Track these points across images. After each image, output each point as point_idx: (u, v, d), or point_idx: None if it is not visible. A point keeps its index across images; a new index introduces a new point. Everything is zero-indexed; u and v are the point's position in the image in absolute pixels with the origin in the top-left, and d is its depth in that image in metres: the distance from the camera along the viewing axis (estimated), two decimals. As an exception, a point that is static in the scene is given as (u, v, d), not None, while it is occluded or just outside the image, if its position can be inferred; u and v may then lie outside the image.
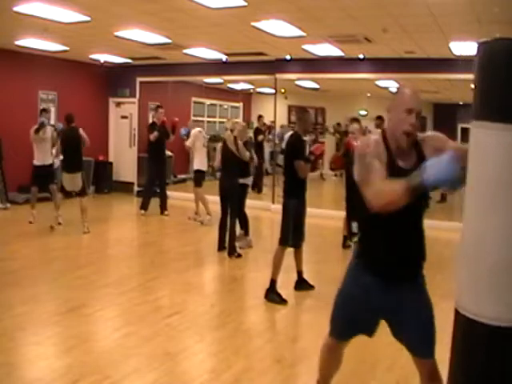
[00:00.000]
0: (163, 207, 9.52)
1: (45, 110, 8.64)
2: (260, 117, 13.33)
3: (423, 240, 2.46)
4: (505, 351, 2.16)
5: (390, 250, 2.39)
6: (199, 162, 9.00)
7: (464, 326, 2.27)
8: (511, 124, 2.10)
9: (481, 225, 2.16)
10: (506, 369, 2.17)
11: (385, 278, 2.39)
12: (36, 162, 8.25)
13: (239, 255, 6.80)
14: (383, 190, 2.19)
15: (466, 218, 2.26)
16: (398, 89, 2.47)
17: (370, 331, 2.57)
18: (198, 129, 9.35)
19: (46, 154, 8.21)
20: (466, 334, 2.28)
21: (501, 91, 2.15)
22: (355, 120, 6.98)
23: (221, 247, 6.95)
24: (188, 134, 9.20)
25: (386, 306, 2.44)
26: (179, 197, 11.18)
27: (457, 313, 2.31)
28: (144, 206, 9.51)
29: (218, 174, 7.45)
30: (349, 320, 2.55)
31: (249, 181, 7.21)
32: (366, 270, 2.45)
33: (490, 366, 2.19)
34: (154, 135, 9.22)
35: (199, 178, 9.00)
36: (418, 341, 2.45)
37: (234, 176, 6.88)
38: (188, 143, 9.09)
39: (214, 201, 8.78)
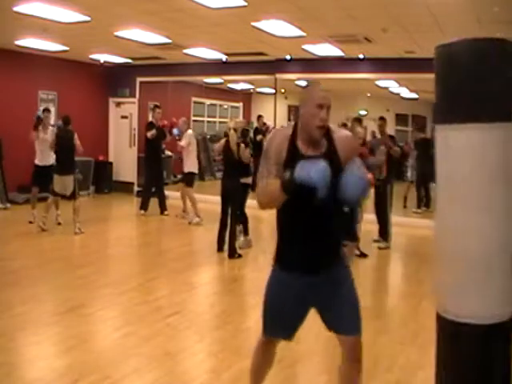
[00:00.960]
0: (162, 207, 9.52)
1: (47, 110, 8.64)
2: (259, 117, 13.32)
3: (335, 229, 2.55)
4: (490, 348, 2.16)
5: (300, 246, 2.50)
6: (191, 164, 8.99)
7: (447, 328, 2.29)
8: (474, 123, 2.13)
9: (459, 223, 2.18)
10: (494, 365, 2.18)
11: (300, 271, 2.49)
12: (38, 162, 8.27)
13: (239, 255, 6.80)
14: (264, 190, 2.42)
15: (439, 219, 2.29)
16: (306, 85, 2.63)
17: (295, 323, 2.63)
18: (191, 131, 9.32)
19: (48, 155, 8.21)
20: (449, 335, 2.29)
21: (461, 92, 2.19)
22: (357, 121, 6.96)
23: (220, 248, 6.95)
24: (180, 134, 9.12)
25: (310, 299, 2.54)
26: (179, 197, 11.15)
27: (438, 317, 2.33)
28: (144, 206, 9.52)
29: (219, 174, 7.43)
30: (276, 315, 2.62)
31: (249, 180, 7.19)
32: (283, 269, 2.57)
33: (478, 365, 2.20)
34: (151, 133, 9.22)
35: (191, 179, 9.00)
36: (342, 317, 2.51)
37: (236, 176, 6.85)
38: (183, 143, 9.02)
39: (213, 201, 8.79)
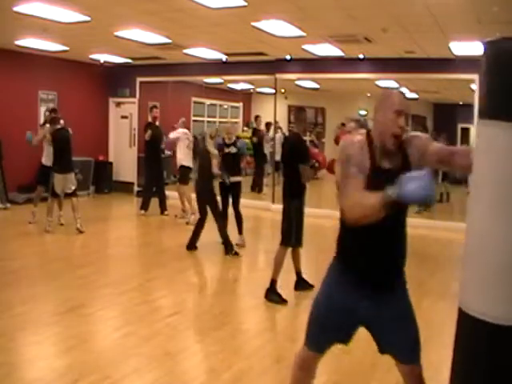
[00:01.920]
0: (163, 207, 9.52)
1: (54, 110, 8.61)
2: (257, 117, 13.32)
3: (405, 248, 2.47)
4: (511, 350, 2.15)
5: (371, 256, 2.33)
6: (183, 158, 9.03)
7: (469, 325, 2.26)
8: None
9: (487, 224, 2.15)
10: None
11: (365, 284, 2.33)
12: (45, 162, 8.21)
13: (236, 253, 6.82)
14: (358, 203, 2.14)
15: (472, 216, 2.25)
16: (385, 90, 2.46)
17: (347, 339, 2.47)
18: (185, 130, 9.32)
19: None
20: (470, 333, 2.27)
21: (510, 90, 2.13)
22: (357, 122, 6.96)
23: (191, 246, 7.01)
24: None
25: (366, 314, 2.36)
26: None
27: (461, 312, 2.30)
28: (144, 206, 9.54)
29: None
30: (328, 328, 2.43)
31: (240, 178, 7.29)
32: (346, 275, 2.38)
33: (496, 366, 2.18)
34: (148, 134, 9.29)
35: (184, 173, 9.02)
36: (403, 347, 2.37)
37: (208, 179, 6.96)
38: (171, 136, 9.10)
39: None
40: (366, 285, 2.33)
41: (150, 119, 9.89)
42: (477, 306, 2.20)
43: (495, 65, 2.21)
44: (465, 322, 2.27)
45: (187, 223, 8.64)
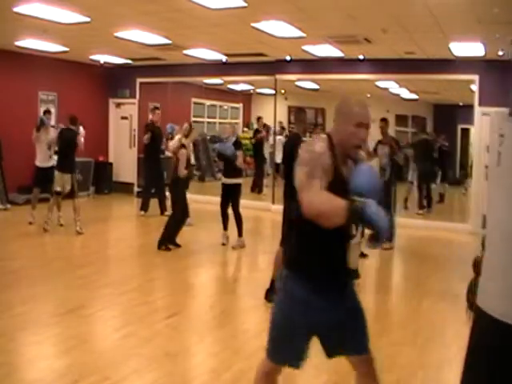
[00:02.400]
0: (162, 208, 9.52)
1: (48, 112, 8.68)
2: (259, 118, 13.32)
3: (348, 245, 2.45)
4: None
5: (326, 260, 2.33)
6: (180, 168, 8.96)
7: (487, 325, 2.24)
8: None
9: (511, 222, 2.13)
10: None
11: (321, 291, 2.31)
12: (38, 164, 8.28)
13: (168, 249, 6.98)
14: (322, 200, 2.12)
15: (495, 214, 2.22)
16: (345, 99, 2.40)
17: (305, 349, 2.42)
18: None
19: (48, 156, 8.24)
20: (488, 333, 2.24)
21: None
22: None
23: (161, 245, 7.11)
24: (173, 133, 8.94)
25: (324, 321, 2.35)
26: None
27: (479, 311, 2.27)
28: (144, 207, 9.54)
29: (219, 175, 7.49)
30: (288, 339, 2.40)
31: (238, 180, 7.25)
32: (302, 282, 2.33)
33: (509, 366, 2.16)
34: (146, 137, 9.32)
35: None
36: (358, 339, 2.41)
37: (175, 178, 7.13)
38: (171, 147, 8.65)
39: (213, 201, 8.78)
40: (325, 294, 2.32)
41: (149, 119, 9.89)
42: (496, 306, 2.18)
43: None
44: (483, 321, 2.24)
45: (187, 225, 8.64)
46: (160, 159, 9.75)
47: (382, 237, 2.07)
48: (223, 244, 7.27)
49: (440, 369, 3.82)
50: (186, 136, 7.20)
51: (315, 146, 2.29)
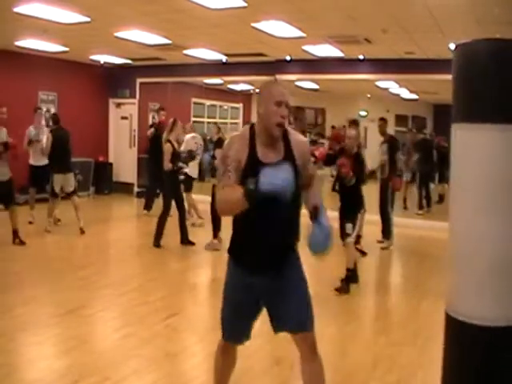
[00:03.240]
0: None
1: (38, 108, 8.66)
2: None
3: (292, 228, 2.53)
4: (502, 350, 2.15)
5: (255, 239, 2.45)
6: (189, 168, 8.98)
7: (456, 328, 2.27)
8: (494, 124, 2.07)
9: (472, 226, 2.15)
10: (503, 368, 2.17)
11: (253, 266, 2.46)
12: (33, 163, 8.26)
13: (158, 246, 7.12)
14: (224, 199, 2.34)
15: (455, 219, 2.25)
16: (264, 83, 2.52)
17: (251, 320, 2.62)
18: (192, 134, 9.29)
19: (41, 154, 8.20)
20: (458, 336, 2.27)
21: (483, 92, 2.13)
22: (353, 123, 6.92)
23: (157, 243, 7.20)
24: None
25: (261, 293, 2.50)
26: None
27: (448, 316, 2.31)
28: (147, 207, 9.55)
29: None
30: (235, 317, 2.61)
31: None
32: (237, 263, 2.53)
33: (487, 367, 2.19)
34: (150, 131, 9.36)
35: (187, 183, 8.99)
36: (295, 315, 2.49)
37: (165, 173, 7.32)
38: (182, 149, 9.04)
39: (209, 201, 8.74)
40: (257, 265, 2.46)
41: (155, 120, 9.93)
42: (463, 309, 2.20)
43: (466, 67, 2.20)
44: (453, 325, 2.27)
45: (193, 224, 8.64)
46: (163, 159, 9.72)
47: (282, 194, 2.10)
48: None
49: (440, 369, 3.81)
50: (171, 131, 7.23)
51: (231, 140, 2.48)
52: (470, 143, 2.15)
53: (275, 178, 2.09)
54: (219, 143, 7.24)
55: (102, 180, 12.20)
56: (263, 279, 2.46)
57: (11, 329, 4.21)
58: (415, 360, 3.90)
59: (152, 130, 9.33)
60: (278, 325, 2.56)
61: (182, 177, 8.06)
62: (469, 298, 2.20)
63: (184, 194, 8.99)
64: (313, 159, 5.16)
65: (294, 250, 2.56)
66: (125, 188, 12.37)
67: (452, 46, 7.39)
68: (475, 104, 2.13)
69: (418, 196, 10.52)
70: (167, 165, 7.06)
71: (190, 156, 7.62)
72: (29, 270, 5.97)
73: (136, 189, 12.26)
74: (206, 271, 6.58)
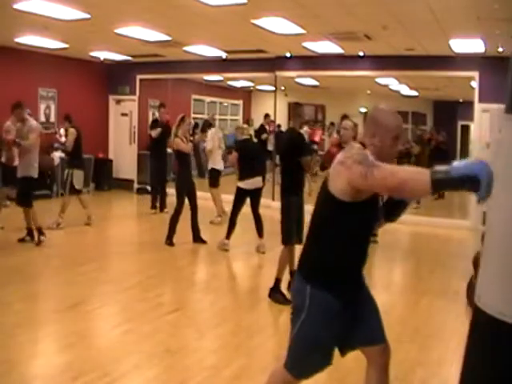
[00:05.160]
0: (162, 205, 9.54)
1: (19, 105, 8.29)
2: (266, 115, 13.23)
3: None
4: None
5: (354, 266, 2.35)
6: (213, 161, 9.05)
7: (486, 323, 2.24)
8: None
9: (510, 220, 2.12)
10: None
11: (347, 295, 2.32)
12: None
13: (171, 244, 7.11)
14: (403, 169, 2.03)
15: (494, 212, 2.22)
16: (376, 112, 2.36)
17: (331, 359, 2.43)
18: (214, 129, 9.37)
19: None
20: (488, 333, 2.23)
21: None
22: (346, 117, 6.91)
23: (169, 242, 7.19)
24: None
25: (347, 325, 2.37)
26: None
27: (478, 310, 2.28)
28: (153, 205, 9.60)
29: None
30: (320, 356, 2.40)
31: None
32: (330, 291, 2.28)
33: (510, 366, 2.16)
34: (156, 131, 9.30)
35: (213, 177, 9.01)
36: (375, 329, 2.47)
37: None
38: (208, 147, 9.14)
39: (209, 197, 8.77)
40: (349, 295, 2.34)
41: (155, 116, 9.91)
42: (496, 304, 2.18)
43: None
44: (483, 321, 2.24)
45: (211, 222, 8.59)
46: (166, 157, 9.74)
47: (484, 184, 1.78)
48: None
49: (439, 365, 3.83)
50: (178, 126, 7.21)
51: (359, 149, 2.27)
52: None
53: (474, 166, 1.80)
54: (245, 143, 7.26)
55: (101, 176, 12.20)
56: (351, 304, 2.34)
57: (11, 325, 4.22)
58: (414, 357, 3.91)
59: (159, 129, 9.28)
60: (363, 340, 2.45)
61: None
62: (501, 293, 2.17)
63: (210, 188, 9.01)
64: (316, 147, 5.13)
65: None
66: (125, 184, 12.37)
67: (452, 43, 7.32)
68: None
69: None
70: (187, 148, 7.12)
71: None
72: (28, 266, 5.98)
73: (136, 185, 12.27)
74: (207, 267, 6.59)
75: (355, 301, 2.38)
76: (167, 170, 10.07)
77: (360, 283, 2.44)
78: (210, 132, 9.32)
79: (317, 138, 5.31)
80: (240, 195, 6.92)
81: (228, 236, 6.95)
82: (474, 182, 1.78)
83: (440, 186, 1.92)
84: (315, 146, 5.02)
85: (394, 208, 2.46)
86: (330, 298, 2.27)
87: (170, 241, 7.11)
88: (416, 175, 1.95)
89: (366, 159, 2.15)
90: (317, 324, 2.31)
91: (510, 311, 2.14)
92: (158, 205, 9.63)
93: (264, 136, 12.57)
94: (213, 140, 9.10)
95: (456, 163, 1.88)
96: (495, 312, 2.19)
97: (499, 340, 2.19)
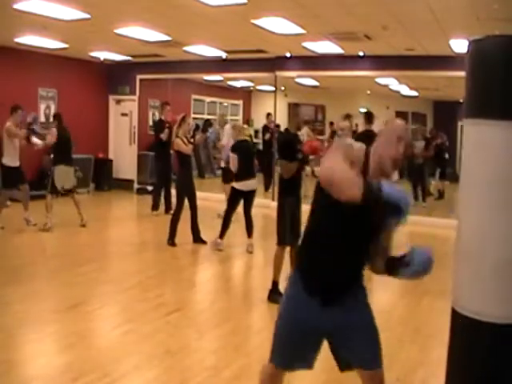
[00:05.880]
0: (168, 206, 9.46)
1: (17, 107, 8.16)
2: (269, 115, 13.23)
3: (362, 266, 2.40)
4: (509, 349, 2.14)
5: (330, 269, 2.30)
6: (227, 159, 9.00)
7: (464, 325, 2.25)
8: (508, 120, 2.06)
9: (481, 223, 2.14)
10: (509, 367, 2.16)
11: (323, 297, 2.30)
12: (8, 163, 7.84)
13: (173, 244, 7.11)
14: (341, 168, 2.05)
15: (464, 216, 2.24)
16: (393, 119, 2.40)
17: (312, 356, 2.43)
18: (229, 124, 9.36)
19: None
20: (466, 333, 2.25)
21: (497, 88, 2.12)
22: (347, 117, 6.90)
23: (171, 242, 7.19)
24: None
25: (326, 326, 2.34)
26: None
27: (454, 312, 2.30)
28: (156, 207, 9.53)
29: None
30: (292, 346, 2.42)
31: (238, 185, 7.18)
32: (304, 288, 2.32)
33: (492, 364, 2.18)
34: (165, 133, 9.13)
35: (227, 173, 8.96)
36: (366, 354, 2.40)
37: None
38: (223, 142, 9.14)
39: (213, 198, 8.77)
40: (327, 298, 2.31)
41: (160, 116, 9.85)
42: (474, 306, 2.19)
43: (480, 64, 2.19)
44: (460, 322, 2.26)
45: (218, 215, 8.39)
46: (170, 158, 9.66)
47: (405, 211, 1.98)
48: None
49: (440, 366, 3.81)
50: (179, 126, 7.18)
51: (358, 148, 2.27)
52: (481, 139, 2.13)
53: (400, 192, 1.97)
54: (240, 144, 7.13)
55: (101, 177, 12.19)
56: (332, 310, 2.31)
57: (11, 325, 4.22)
58: (415, 357, 3.91)
59: (166, 131, 9.13)
60: (346, 361, 2.42)
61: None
62: (476, 294, 2.19)
63: (224, 185, 8.96)
64: (300, 156, 5.04)
65: (362, 280, 2.42)
66: (125, 185, 12.37)
67: (452, 43, 7.34)
68: (488, 100, 2.12)
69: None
70: (187, 150, 7.11)
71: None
72: (28, 266, 5.97)
73: (136, 185, 12.26)
74: (207, 268, 6.58)
75: (341, 312, 2.31)
76: (171, 171, 10.03)
77: (349, 293, 2.34)
78: (226, 127, 9.27)
79: (307, 150, 5.11)
80: (235, 196, 6.96)
81: (221, 236, 6.96)
82: (397, 209, 1.96)
83: (369, 198, 1.96)
84: (300, 156, 4.89)
85: (393, 266, 2.40)
86: (299, 288, 2.33)
87: (171, 241, 7.10)
88: (353, 179, 2.02)
89: (342, 148, 2.19)
90: (284, 311, 2.42)
91: (485, 311, 2.16)
92: (160, 206, 9.56)
93: (267, 136, 12.57)
94: (227, 136, 8.98)
95: (387, 186, 1.96)
96: (472, 313, 2.20)
97: (480, 339, 2.20)
